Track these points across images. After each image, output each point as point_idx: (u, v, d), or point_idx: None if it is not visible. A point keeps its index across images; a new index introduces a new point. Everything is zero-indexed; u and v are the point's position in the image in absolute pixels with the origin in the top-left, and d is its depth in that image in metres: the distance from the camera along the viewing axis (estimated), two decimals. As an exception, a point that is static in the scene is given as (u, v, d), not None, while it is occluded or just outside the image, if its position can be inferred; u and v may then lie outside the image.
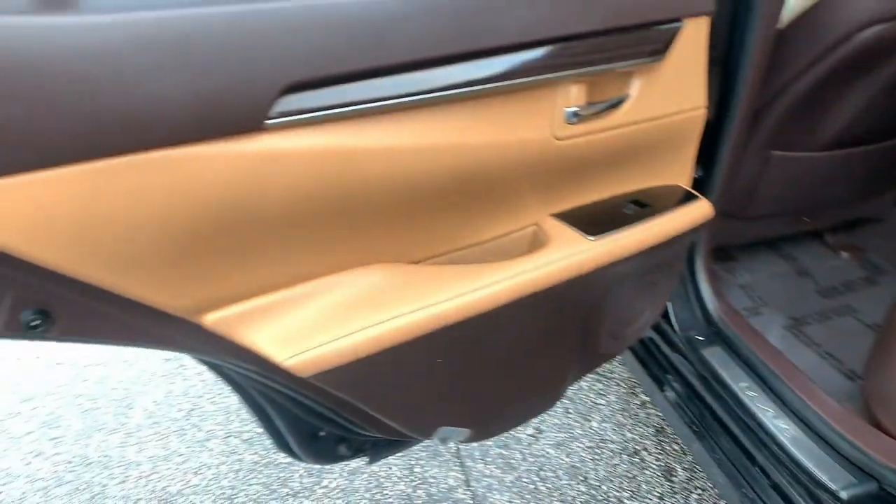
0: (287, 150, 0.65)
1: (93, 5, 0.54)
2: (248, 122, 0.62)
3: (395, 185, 0.77)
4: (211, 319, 0.72)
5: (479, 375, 1.00)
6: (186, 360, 2.20)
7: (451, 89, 0.75)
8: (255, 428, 1.92)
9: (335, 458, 1.13)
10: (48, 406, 2.04)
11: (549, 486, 1.70)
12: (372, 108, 0.71)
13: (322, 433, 1.06)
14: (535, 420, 1.90)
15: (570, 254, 0.94)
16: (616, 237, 0.99)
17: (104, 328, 0.66)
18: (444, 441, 1.05)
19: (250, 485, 1.74)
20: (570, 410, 1.93)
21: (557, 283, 0.94)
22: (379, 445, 1.18)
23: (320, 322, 0.78)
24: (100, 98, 0.53)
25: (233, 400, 2.02)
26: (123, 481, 1.77)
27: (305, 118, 0.66)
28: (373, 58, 0.68)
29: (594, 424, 1.89)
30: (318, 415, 0.98)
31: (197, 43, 0.57)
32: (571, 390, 2.01)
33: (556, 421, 1.90)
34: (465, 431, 1.06)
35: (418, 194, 0.81)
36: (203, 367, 2.14)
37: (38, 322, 0.61)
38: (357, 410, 0.90)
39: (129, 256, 0.61)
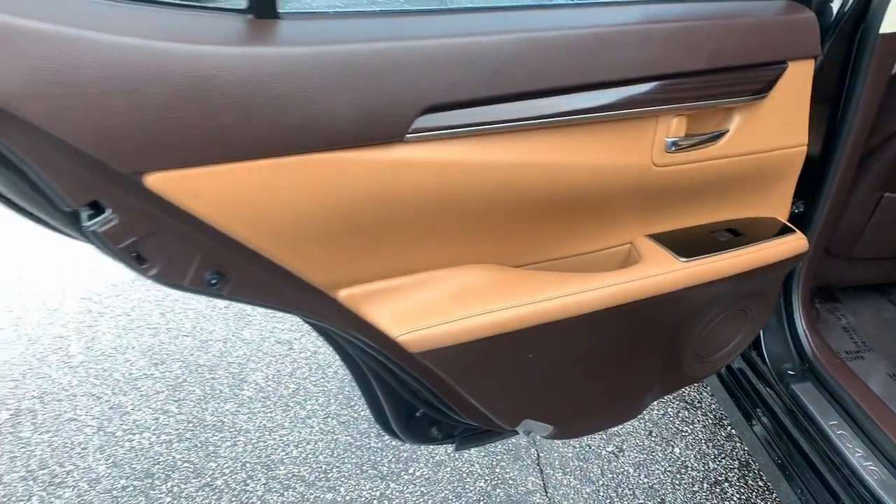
0: (420, 160, 0.78)
1: (287, 39, 0.70)
2: (393, 134, 0.75)
3: (508, 195, 0.88)
4: (343, 295, 0.86)
5: (566, 376, 1.09)
6: (295, 344, 2.41)
7: (564, 116, 0.86)
8: (351, 413, 2.08)
9: (427, 439, 1.25)
10: (175, 371, 2.31)
11: (625, 502, 1.74)
12: (493, 129, 0.82)
13: (418, 413, 1.19)
14: (617, 439, 1.94)
15: (661, 272, 1.02)
16: (706, 261, 1.05)
17: (262, 292, 0.82)
18: (527, 433, 1.15)
19: (343, 463, 1.90)
20: (654, 434, 1.96)
21: (646, 298, 1.01)
22: (467, 434, 1.29)
23: (431, 307, 0.90)
24: (287, 110, 0.68)
25: (333, 384, 2.20)
26: (234, 445, 1.98)
27: (437, 134, 0.79)
28: (497, 87, 0.80)
29: (677, 450, 1.90)
30: (417, 395, 1.11)
31: (360, 71, 0.71)
32: (656, 414, 2.03)
33: (639, 442, 1.93)
34: (549, 427, 1.15)
35: (527, 206, 0.92)
36: (310, 352, 2.35)
37: (215, 281, 0.78)
38: (452, 392, 1.02)
39: (292, 234, 0.76)
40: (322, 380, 2.23)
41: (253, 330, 2.51)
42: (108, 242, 0.70)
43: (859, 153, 1.27)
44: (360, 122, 0.72)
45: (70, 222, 0.72)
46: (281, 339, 2.45)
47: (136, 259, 0.74)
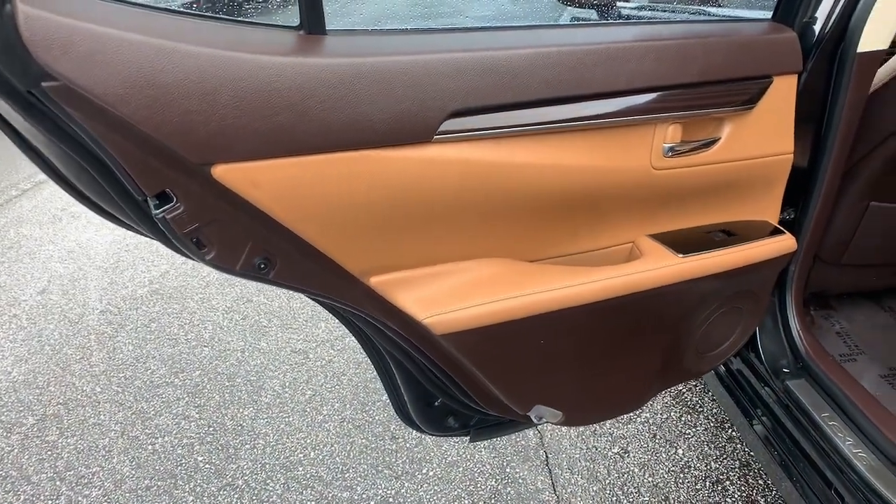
0: (446, 158, 0.89)
1: (333, 51, 0.81)
2: (422, 135, 0.86)
3: (522, 193, 0.98)
4: (374, 282, 0.96)
5: (575, 363, 1.18)
6: (311, 354, 2.50)
7: (571, 122, 0.96)
8: (366, 417, 2.16)
9: (443, 428, 1.33)
10: (194, 379, 2.40)
11: (631, 500, 1.81)
12: (509, 132, 0.93)
13: (436, 403, 1.28)
14: (622, 441, 2.01)
15: (660, 266, 1.11)
16: (702, 257, 1.14)
17: (303, 278, 0.91)
18: (539, 419, 1.23)
19: (359, 464, 1.97)
20: (658, 436, 2.03)
21: (647, 289, 1.11)
22: (482, 425, 1.37)
23: (453, 294, 1.00)
24: (334, 112, 0.79)
25: (348, 391, 2.29)
26: (253, 447, 2.06)
27: (460, 136, 0.89)
28: (512, 95, 0.91)
29: (680, 452, 1.97)
30: (435, 384, 1.20)
31: (395, 80, 0.82)
32: (660, 418, 2.10)
33: (643, 444, 2.00)
34: (559, 414, 1.23)
35: (539, 203, 1.02)
36: (325, 361, 2.44)
37: (264, 266, 0.88)
38: (470, 376, 1.11)
39: (334, 223, 0.86)
40: (337, 386, 2.32)
41: (269, 340, 2.60)
42: (174, 228, 0.80)
43: (843, 163, 1.37)
44: (395, 124, 0.83)
45: (136, 211, 0.83)
46: (297, 348, 2.54)
47: (196, 244, 0.84)
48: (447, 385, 1.16)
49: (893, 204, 1.62)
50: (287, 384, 2.35)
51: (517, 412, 1.21)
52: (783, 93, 1.14)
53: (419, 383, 1.21)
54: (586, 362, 1.20)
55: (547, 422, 1.25)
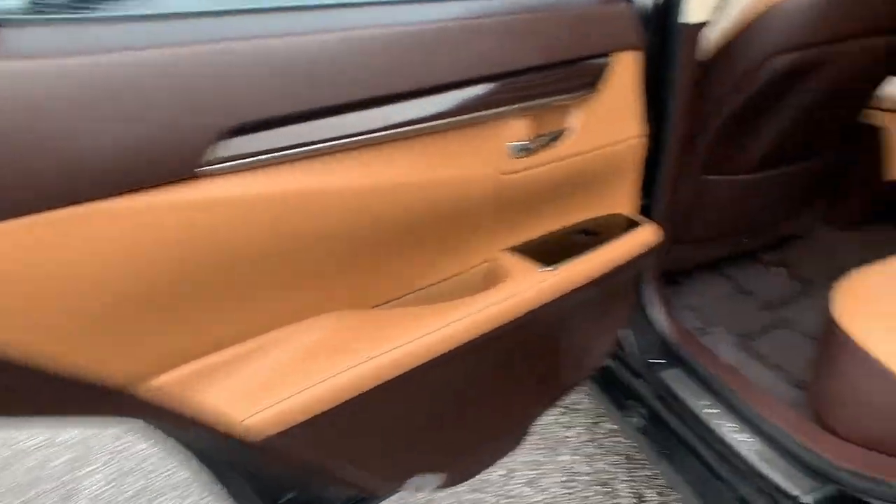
0: (223, 198, 0.63)
1: (13, 48, 0.52)
2: (181, 169, 0.59)
3: (341, 228, 0.75)
4: (162, 382, 0.68)
5: (447, 418, 0.98)
6: (134, 434, 2.08)
7: (394, 128, 0.75)
8: (212, 500, 1.81)
9: (303, 523, 1.07)
10: (-18, 500, 1.89)
11: (525, 526, 1.67)
12: (310, 150, 0.69)
13: (289, 497, 1.01)
14: (504, 459, 1.87)
15: (528, 286, 0.94)
16: (570, 266, 1.00)
17: (34, 406, 0.61)
18: (418, 489, 1.02)
19: (212, 562, 1.64)
20: (539, 446, 1.91)
21: (517, 316, 0.93)
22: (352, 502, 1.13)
23: (280, 376, 0.74)
24: (20, 150, 0.50)
25: (186, 473, 1.92)
26: (71, 574, 1.64)
27: (241, 164, 0.64)
28: (309, 100, 0.67)
29: (564, 458, 1.87)
30: (283, 478, 0.94)
31: (127, 91, 0.55)
32: (538, 425, 1.99)
33: (526, 458, 1.87)
34: (439, 477, 1.03)
35: (366, 236, 0.79)
36: (153, 440, 2.03)
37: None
38: (323, 471, 0.86)
39: (62, 320, 0.56)
40: (173, 469, 1.93)
41: (79, 428, 2.12)
42: None
43: (684, 140, 1.30)
44: (131, 159, 0.56)
45: None
46: (114, 432, 2.10)
47: None
48: (294, 483, 0.91)
49: (722, 176, 1.62)
50: (109, 479, 1.92)
51: (391, 490, 0.99)
52: (626, 71, 1.02)
53: (263, 481, 0.95)
54: (461, 414, 1.00)
55: (428, 489, 1.04)
